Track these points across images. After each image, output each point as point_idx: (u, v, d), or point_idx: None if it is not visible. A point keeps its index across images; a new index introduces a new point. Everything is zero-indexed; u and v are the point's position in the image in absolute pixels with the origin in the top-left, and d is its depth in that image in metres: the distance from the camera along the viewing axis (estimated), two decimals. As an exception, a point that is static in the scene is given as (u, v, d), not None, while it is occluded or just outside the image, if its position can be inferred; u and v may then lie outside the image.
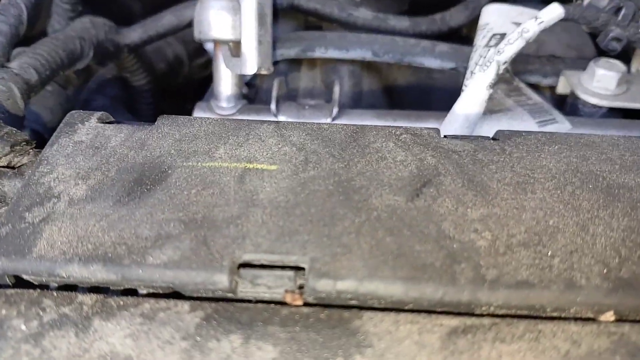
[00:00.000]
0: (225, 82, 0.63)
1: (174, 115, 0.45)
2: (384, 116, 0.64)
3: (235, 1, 0.58)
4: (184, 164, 0.41)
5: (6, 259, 0.35)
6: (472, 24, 0.81)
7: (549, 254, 0.34)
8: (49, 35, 0.62)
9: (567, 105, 0.68)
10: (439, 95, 0.82)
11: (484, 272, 0.33)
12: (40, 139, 0.65)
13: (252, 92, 0.73)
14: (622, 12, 0.63)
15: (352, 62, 0.73)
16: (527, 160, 0.40)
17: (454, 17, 0.77)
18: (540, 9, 0.66)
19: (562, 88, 0.70)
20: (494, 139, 0.43)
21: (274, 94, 0.64)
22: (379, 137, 0.42)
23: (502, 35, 0.63)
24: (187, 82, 0.95)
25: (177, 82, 0.92)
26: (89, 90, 0.78)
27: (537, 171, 0.40)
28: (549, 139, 0.42)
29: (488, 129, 0.62)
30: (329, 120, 0.63)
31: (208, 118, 0.44)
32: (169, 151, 0.42)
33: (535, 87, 0.71)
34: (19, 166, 0.44)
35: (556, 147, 0.42)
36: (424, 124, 0.64)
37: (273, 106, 0.63)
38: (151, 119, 0.85)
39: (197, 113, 0.64)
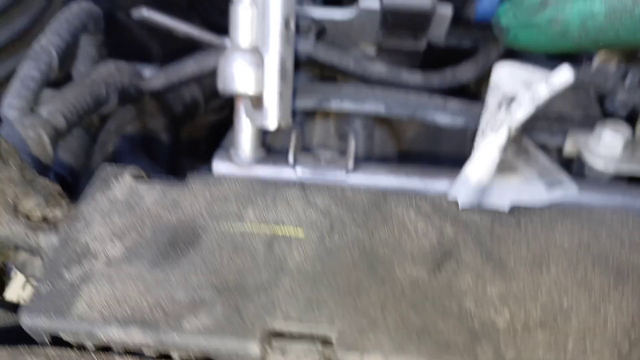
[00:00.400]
0: (245, 133, 0.65)
1: (204, 174, 0.47)
2: (396, 171, 0.66)
3: (259, 56, 0.61)
4: (216, 226, 0.42)
5: (46, 317, 0.37)
6: (480, 79, 0.85)
7: (564, 335, 0.36)
8: (76, 80, 0.64)
9: (574, 165, 0.70)
10: (447, 146, 0.84)
11: (503, 352, 0.35)
12: (64, 183, 0.67)
13: (266, 137, 0.75)
14: (629, 78, 0.66)
15: (365, 114, 0.75)
16: (541, 236, 0.42)
17: (464, 72, 0.80)
18: (550, 67, 0.69)
19: (569, 148, 0.72)
20: (509, 212, 0.45)
21: (292, 146, 0.66)
22: (400, 204, 0.45)
23: (513, 96, 0.66)
24: (202, 123, 0.98)
25: (192, 122, 0.94)
26: (107, 131, 0.80)
27: (551, 248, 0.42)
28: (562, 214, 0.44)
29: (498, 190, 0.64)
30: (344, 174, 0.66)
31: (237, 178, 0.46)
32: (201, 212, 0.43)
33: (542, 145, 0.74)
34: (54, 220, 0.45)
35: (569, 223, 0.44)
36: (436, 181, 0.66)
37: (291, 158, 0.65)
38: (167, 159, 0.87)
39: (217, 161, 0.66)
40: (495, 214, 0.44)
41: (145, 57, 1.18)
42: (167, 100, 0.83)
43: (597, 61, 0.67)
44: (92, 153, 0.76)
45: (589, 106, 0.81)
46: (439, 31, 0.71)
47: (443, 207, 0.44)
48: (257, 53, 0.61)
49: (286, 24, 0.59)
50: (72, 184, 0.69)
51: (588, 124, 0.73)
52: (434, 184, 0.66)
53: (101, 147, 0.79)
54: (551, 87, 0.62)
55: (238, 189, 0.45)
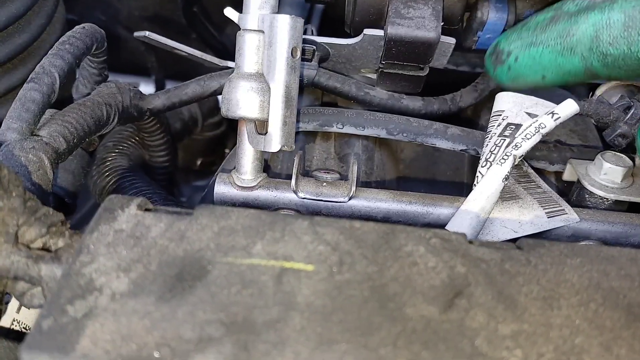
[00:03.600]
0: (248, 157, 0.65)
1: (211, 205, 0.46)
2: (399, 198, 0.66)
3: (265, 83, 0.60)
4: (223, 259, 0.42)
5: (49, 355, 0.36)
6: (476, 106, 0.85)
7: (577, 376, 0.36)
8: (77, 102, 0.63)
9: (573, 193, 0.71)
10: (443, 165, 0.85)
11: (518, 395, 0.34)
12: (62, 203, 0.66)
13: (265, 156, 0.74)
14: (632, 111, 0.66)
15: (366, 136, 0.75)
16: (551, 273, 0.42)
17: (463, 98, 0.80)
18: (552, 99, 0.70)
19: (568, 175, 0.73)
20: (518, 247, 0.45)
21: (295, 170, 0.66)
22: (410, 239, 0.44)
23: (517, 126, 0.66)
24: (198, 138, 0.97)
25: (189, 138, 0.94)
26: (105, 148, 0.79)
27: (562, 286, 0.41)
28: (571, 251, 0.44)
29: (501, 216, 0.64)
30: (346, 200, 0.65)
31: (244, 210, 0.46)
32: (208, 245, 0.43)
33: (541, 172, 0.74)
34: (56, 250, 0.44)
35: (578, 260, 0.44)
36: (438, 208, 0.66)
37: (293, 182, 0.65)
38: (164, 177, 0.86)
39: (219, 184, 0.66)
40: (504, 250, 0.44)
41: (142, 70, 1.18)
42: (165, 118, 0.82)
43: (599, 92, 0.68)
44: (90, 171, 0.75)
45: (587, 133, 0.82)
46: (441, 60, 0.71)
47: (452, 241, 0.44)
48: (262, 79, 0.60)
49: (293, 52, 0.59)
50: (69, 204, 0.68)
51: (587, 153, 0.73)
52: (436, 210, 0.66)
53: (98, 164, 0.78)
54: (557, 118, 0.63)
55: (246, 221, 0.45)
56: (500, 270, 0.42)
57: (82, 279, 0.40)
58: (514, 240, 0.52)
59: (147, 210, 0.46)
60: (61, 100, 0.66)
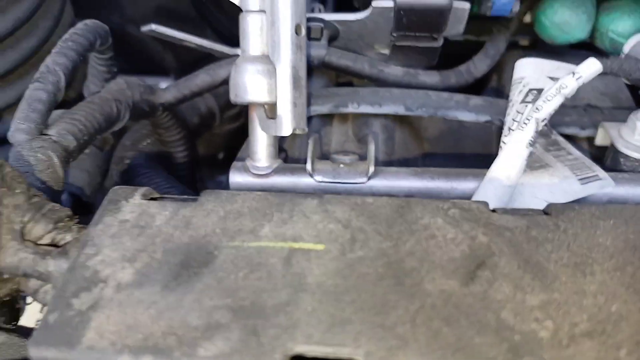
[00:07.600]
0: (261, 143, 0.63)
1: (217, 190, 0.45)
2: (420, 174, 0.63)
3: (271, 65, 0.58)
4: (230, 244, 0.40)
5: (56, 349, 0.34)
6: (500, 75, 0.81)
7: (615, 345, 0.33)
8: (86, 99, 0.63)
9: (607, 157, 0.66)
10: (470, 142, 0.81)
11: (549, 368, 0.31)
12: (78, 202, 0.65)
13: (283, 144, 0.72)
14: (663, 66, 0.62)
15: (384, 115, 0.73)
16: (582, 237, 0.39)
17: (477, 66, 0.77)
18: (576, 62, 0.66)
19: (600, 140, 0.68)
20: (545, 213, 0.42)
21: (310, 154, 0.63)
22: (426, 212, 0.42)
23: (539, 91, 0.63)
24: (219, 132, 0.96)
25: (209, 133, 0.93)
26: (123, 147, 0.79)
27: (595, 250, 0.38)
28: (604, 212, 0.41)
29: (530, 187, 0.61)
30: (365, 180, 0.63)
31: (251, 193, 0.44)
32: (214, 230, 0.41)
33: (572, 138, 0.70)
34: (63, 244, 0.43)
35: (611, 222, 0.40)
36: (463, 182, 0.62)
37: (309, 166, 0.63)
38: (185, 172, 0.85)
39: (233, 173, 0.64)
40: (530, 216, 0.41)
41: (161, 70, 1.18)
42: (181, 113, 0.81)
43: (627, 47, 0.63)
44: (108, 170, 0.74)
45: (619, 95, 0.77)
46: (457, 27, 0.68)
47: (473, 211, 0.41)
48: (268, 61, 0.58)
49: (297, 30, 0.57)
50: (88, 203, 0.68)
51: (620, 115, 0.69)
52: (461, 185, 0.63)
53: (117, 163, 0.78)
54: (579, 77, 0.59)
55: (252, 204, 0.43)
56: (526, 237, 0.39)
57: (87, 271, 0.39)
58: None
59: (152, 199, 0.44)
60: (74, 101, 0.65)
